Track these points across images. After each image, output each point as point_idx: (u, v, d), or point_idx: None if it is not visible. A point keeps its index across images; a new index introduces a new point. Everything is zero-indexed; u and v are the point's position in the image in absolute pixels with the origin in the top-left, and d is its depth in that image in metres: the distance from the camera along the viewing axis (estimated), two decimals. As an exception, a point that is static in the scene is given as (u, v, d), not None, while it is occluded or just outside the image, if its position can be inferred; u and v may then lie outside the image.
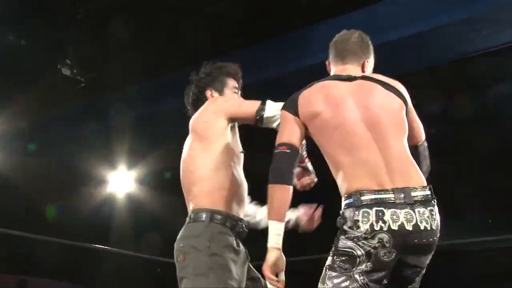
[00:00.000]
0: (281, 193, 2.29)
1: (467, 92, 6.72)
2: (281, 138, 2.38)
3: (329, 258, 2.27)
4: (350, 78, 2.49)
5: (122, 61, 6.86)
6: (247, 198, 2.66)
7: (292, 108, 2.43)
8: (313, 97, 2.44)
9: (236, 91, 2.83)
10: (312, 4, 6.07)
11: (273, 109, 2.57)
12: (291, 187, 2.32)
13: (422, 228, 2.22)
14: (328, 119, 2.37)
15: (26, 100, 6.78)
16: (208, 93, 2.79)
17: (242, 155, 2.66)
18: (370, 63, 2.63)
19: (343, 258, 2.24)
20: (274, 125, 2.56)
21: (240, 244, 2.55)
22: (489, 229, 6.81)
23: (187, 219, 2.56)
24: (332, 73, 2.60)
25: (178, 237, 2.54)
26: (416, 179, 2.31)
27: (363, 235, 2.21)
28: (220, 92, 2.79)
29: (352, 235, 2.23)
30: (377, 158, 2.30)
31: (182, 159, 2.69)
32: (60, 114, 7.61)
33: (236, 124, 2.70)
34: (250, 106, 2.60)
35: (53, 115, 7.56)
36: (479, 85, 6.65)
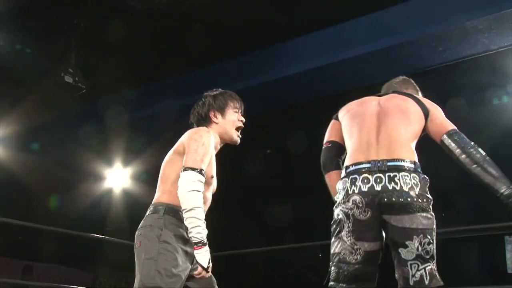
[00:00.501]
0: (328, 179, 2.67)
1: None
2: (325, 138, 2.76)
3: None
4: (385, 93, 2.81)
5: (118, 68, 6.86)
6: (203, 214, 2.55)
7: (335, 115, 2.78)
8: (351, 103, 2.78)
9: (237, 110, 2.81)
10: (288, 22, 6.15)
11: (190, 177, 2.50)
12: (332, 173, 2.67)
13: (390, 188, 2.35)
14: (352, 112, 2.69)
15: (32, 104, 6.83)
16: (211, 114, 2.78)
17: (213, 179, 2.68)
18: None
19: (334, 224, 2.45)
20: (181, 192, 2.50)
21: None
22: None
23: (147, 211, 2.65)
24: None
25: (138, 226, 2.63)
26: (401, 154, 2.44)
27: (342, 200, 2.42)
28: (222, 113, 2.79)
29: (337, 203, 2.46)
30: (373, 139, 2.50)
31: (163, 162, 2.75)
32: (62, 117, 7.62)
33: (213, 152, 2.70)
34: (191, 159, 2.55)
35: (56, 117, 7.56)
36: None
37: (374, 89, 2.91)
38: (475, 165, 2.46)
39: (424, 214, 2.37)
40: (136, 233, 2.62)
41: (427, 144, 2.66)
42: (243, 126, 2.84)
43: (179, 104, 6.79)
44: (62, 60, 6.68)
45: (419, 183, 2.40)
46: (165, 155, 2.77)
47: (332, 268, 2.42)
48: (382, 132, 2.52)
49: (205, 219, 2.50)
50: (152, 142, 7.66)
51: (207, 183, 2.63)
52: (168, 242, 2.51)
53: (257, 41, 6.44)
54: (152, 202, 2.66)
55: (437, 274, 2.36)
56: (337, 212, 2.44)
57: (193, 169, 2.51)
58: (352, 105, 2.74)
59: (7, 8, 5.86)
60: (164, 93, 7.10)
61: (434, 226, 2.42)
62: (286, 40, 6.33)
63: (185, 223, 2.46)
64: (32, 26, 6.43)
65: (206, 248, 2.45)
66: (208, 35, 6.46)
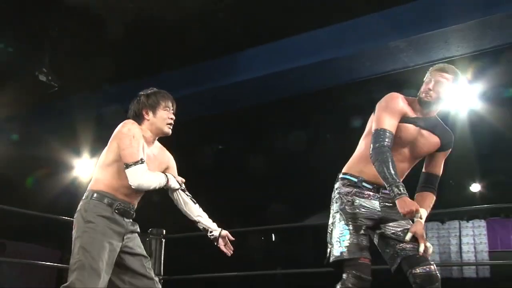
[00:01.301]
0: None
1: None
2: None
3: None
4: None
5: (88, 68, 6.72)
6: (135, 194, 2.69)
7: None
8: None
9: (168, 109, 2.79)
10: (244, 33, 6.17)
11: (136, 172, 2.56)
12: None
13: None
14: None
15: (8, 99, 6.65)
16: (144, 111, 2.76)
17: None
18: None
19: None
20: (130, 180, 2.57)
21: (125, 218, 2.65)
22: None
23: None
24: None
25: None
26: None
27: None
28: (154, 111, 2.76)
29: None
30: None
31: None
32: (36, 110, 7.45)
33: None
34: (128, 155, 2.58)
35: (30, 111, 7.40)
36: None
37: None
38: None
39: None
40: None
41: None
42: (172, 122, 2.79)
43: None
44: (36, 60, 6.50)
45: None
46: None
47: None
48: None
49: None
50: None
51: None
52: (92, 221, 2.55)
53: (214, 51, 6.42)
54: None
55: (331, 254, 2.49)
56: None
57: (135, 163, 2.55)
58: None
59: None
60: (126, 93, 7.01)
61: (330, 221, 2.58)
62: (239, 51, 6.34)
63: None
64: (10, 27, 6.20)
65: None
66: (171, 42, 6.36)
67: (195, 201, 2.85)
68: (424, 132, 2.56)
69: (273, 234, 11.46)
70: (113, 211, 2.59)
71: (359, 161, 2.59)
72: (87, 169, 8.70)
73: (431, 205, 2.55)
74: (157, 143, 2.84)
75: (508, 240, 10.19)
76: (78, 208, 2.63)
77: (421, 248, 2.36)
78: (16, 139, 7.83)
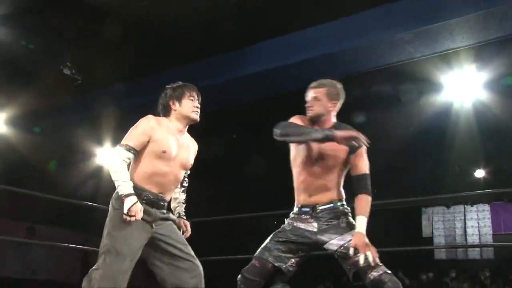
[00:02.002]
0: None
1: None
2: None
3: None
4: None
5: (109, 63, 6.70)
6: (165, 184, 2.74)
7: None
8: None
9: (192, 99, 2.83)
10: (253, 27, 6.10)
11: (114, 152, 2.68)
12: None
13: None
14: None
15: (35, 91, 6.72)
16: (171, 102, 2.83)
17: (166, 154, 2.70)
18: None
19: None
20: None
21: (154, 208, 2.69)
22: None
23: None
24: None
25: None
26: None
27: None
28: (180, 102, 2.82)
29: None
30: None
31: None
32: (61, 103, 7.50)
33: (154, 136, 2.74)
34: (123, 139, 2.69)
35: (56, 104, 7.44)
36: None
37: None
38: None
39: None
40: None
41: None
42: (198, 110, 2.84)
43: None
44: (60, 56, 6.60)
45: None
46: None
47: None
48: None
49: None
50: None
51: (160, 157, 2.69)
52: (119, 209, 2.58)
53: (223, 45, 6.39)
54: None
55: None
56: None
57: (120, 145, 2.65)
58: None
59: (12, 9, 5.69)
60: (149, 87, 6.98)
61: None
62: (247, 46, 6.30)
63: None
64: (34, 25, 6.21)
65: (128, 198, 2.55)
66: (183, 38, 6.34)
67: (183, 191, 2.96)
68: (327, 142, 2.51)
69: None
70: (141, 201, 2.61)
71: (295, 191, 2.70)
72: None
73: (368, 207, 2.53)
74: (186, 134, 2.89)
75: (511, 223, 10.11)
76: (114, 195, 2.68)
77: (361, 260, 2.37)
78: (38, 132, 7.93)
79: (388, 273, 2.36)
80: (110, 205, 2.69)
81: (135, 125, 2.72)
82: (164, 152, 2.69)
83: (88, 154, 8.66)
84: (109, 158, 2.68)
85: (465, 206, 10.48)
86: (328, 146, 2.55)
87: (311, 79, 2.74)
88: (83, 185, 8.32)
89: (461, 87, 6.47)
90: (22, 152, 7.80)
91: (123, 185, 2.57)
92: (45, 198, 4.07)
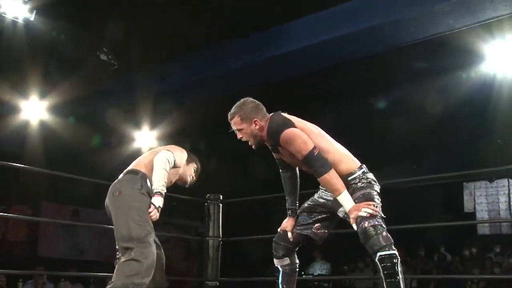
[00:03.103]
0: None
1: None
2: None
3: (376, 195, 2.58)
4: None
5: (144, 47, 6.86)
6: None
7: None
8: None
9: (195, 169, 3.17)
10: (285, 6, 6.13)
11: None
12: None
13: None
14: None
15: (76, 82, 6.88)
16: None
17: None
18: None
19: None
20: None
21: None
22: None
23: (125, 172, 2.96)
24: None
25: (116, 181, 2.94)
26: None
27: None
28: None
29: (378, 186, 2.65)
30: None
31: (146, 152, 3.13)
32: (100, 89, 7.62)
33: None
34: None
35: (94, 89, 7.53)
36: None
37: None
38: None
39: None
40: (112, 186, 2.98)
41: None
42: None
43: (198, 78, 6.76)
44: (97, 42, 6.71)
45: None
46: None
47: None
48: None
49: None
50: (173, 109, 7.71)
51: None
52: (145, 195, 2.84)
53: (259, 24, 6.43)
54: (130, 169, 3.00)
55: None
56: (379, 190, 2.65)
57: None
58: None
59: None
60: (184, 68, 7.06)
61: None
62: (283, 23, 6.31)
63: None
64: (70, 15, 6.38)
65: (163, 198, 2.83)
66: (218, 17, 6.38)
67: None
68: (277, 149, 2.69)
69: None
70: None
71: None
72: (147, 141, 8.85)
73: (332, 184, 2.57)
74: None
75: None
76: (124, 179, 2.91)
77: (355, 227, 2.52)
78: (77, 119, 8.14)
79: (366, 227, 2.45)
80: (130, 188, 2.80)
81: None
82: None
83: (126, 137, 8.80)
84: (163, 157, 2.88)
85: (509, 180, 10.20)
86: (280, 151, 2.69)
87: (352, 54, 2.69)
88: (122, 169, 8.39)
89: (503, 57, 6.31)
90: (64, 138, 8.00)
91: (164, 185, 2.85)
92: (86, 181, 4.17)
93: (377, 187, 2.62)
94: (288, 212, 2.84)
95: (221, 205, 4.17)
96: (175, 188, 3.19)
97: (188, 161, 3.07)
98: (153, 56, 7.05)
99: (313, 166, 2.53)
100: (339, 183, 2.51)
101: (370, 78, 7.23)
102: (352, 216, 2.47)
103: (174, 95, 7.34)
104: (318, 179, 2.55)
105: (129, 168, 2.97)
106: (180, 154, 2.97)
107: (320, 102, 7.87)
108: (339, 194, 2.52)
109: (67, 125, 8.09)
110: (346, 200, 2.51)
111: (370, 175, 2.64)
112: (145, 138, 8.86)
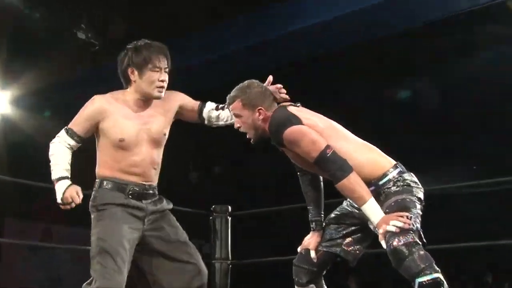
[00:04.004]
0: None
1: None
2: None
3: (414, 203, 2.51)
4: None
5: (134, 24, 6.88)
6: (144, 171, 2.80)
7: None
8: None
9: (158, 69, 2.76)
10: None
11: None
12: None
13: None
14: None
15: (51, 66, 6.94)
16: (129, 71, 2.77)
17: (124, 142, 2.74)
18: None
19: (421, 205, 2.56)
20: None
21: (143, 201, 2.77)
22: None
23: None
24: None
25: None
26: None
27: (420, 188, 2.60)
28: (140, 72, 2.75)
29: (420, 189, 2.58)
30: None
31: None
32: (80, 76, 7.66)
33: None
34: None
35: (74, 77, 7.61)
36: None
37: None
38: None
39: None
40: None
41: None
42: (164, 85, 2.78)
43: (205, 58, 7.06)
44: (74, 19, 6.78)
45: None
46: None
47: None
48: None
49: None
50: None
51: (120, 147, 2.75)
52: (105, 209, 2.72)
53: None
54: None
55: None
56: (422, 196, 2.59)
57: (64, 128, 2.79)
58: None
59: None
60: (188, 48, 7.13)
61: None
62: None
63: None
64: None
65: (59, 183, 2.68)
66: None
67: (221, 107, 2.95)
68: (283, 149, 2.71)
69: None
70: (127, 196, 2.72)
71: None
72: None
73: (351, 192, 2.55)
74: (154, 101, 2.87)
75: None
76: (91, 197, 2.76)
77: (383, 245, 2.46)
78: (51, 112, 8.14)
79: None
80: (91, 207, 2.76)
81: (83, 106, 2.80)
82: (121, 141, 2.74)
83: None
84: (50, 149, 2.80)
85: None
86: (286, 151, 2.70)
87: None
88: None
89: None
90: (32, 137, 7.92)
91: (54, 169, 2.72)
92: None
93: (418, 192, 2.56)
94: (311, 226, 2.78)
95: (229, 218, 4.16)
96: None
97: (133, 70, 2.75)
98: (146, 35, 7.04)
99: (329, 170, 2.51)
100: (362, 189, 2.47)
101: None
102: (380, 231, 2.42)
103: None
104: (336, 186, 2.52)
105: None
106: (80, 116, 2.78)
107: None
108: (363, 203, 2.47)
109: (35, 120, 8.00)
110: (372, 211, 2.46)
111: (409, 176, 2.58)
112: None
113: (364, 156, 2.60)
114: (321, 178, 2.79)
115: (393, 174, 2.57)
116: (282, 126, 2.55)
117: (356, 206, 2.61)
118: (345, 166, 2.48)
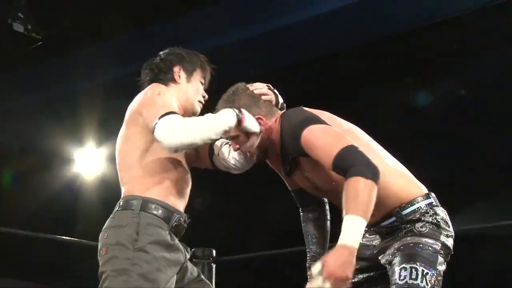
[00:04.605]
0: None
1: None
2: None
3: (436, 256, 2.48)
4: None
5: (89, 13, 6.84)
6: (187, 193, 2.79)
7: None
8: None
9: (203, 81, 2.91)
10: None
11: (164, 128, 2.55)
12: None
13: None
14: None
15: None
16: (176, 69, 2.85)
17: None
18: None
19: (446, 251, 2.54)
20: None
21: (176, 240, 2.67)
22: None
23: (116, 206, 2.67)
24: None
25: (104, 227, 2.65)
26: None
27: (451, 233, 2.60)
28: (189, 75, 2.86)
29: (450, 234, 2.57)
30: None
31: (118, 140, 2.87)
32: (16, 78, 7.57)
33: None
34: (157, 112, 2.58)
35: (5, 80, 7.49)
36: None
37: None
38: None
39: None
40: (100, 235, 2.63)
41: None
42: (203, 102, 2.91)
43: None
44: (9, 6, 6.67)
45: None
46: None
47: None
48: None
49: None
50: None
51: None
52: (146, 251, 2.52)
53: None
54: (122, 196, 2.70)
55: None
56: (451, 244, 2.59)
57: (164, 115, 2.51)
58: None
59: None
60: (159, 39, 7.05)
61: None
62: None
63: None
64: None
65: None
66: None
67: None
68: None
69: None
70: (170, 230, 2.63)
71: None
72: (93, 165, 8.74)
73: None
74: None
75: None
76: (116, 223, 2.60)
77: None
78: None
79: None
80: (122, 236, 2.55)
81: (152, 93, 2.71)
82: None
83: (60, 158, 8.66)
84: (172, 133, 2.51)
85: None
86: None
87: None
88: (50, 208, 8.31)
89: None
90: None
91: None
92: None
93: (446, 237, 2.53)
94: (307, 273, 2.72)
95: (213, 265, 4.30)
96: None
97: (182, 71, 2.85)
98: (102, 27, 6.98)
99: (353, 162, 2.40)
100: (367, 206, 2.34)
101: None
102: (324, 275, 2.27)
103: (128, 87, 7.12)
104: (346, 179, 2.38)
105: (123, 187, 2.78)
106: (167, 98, 2.70)
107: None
108: (352, 215, 2.31)
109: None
110: (350, 230, 2.31)
111: (441, 211, 2.57)
112: (89, 159, 8.76)
113: (394, 180, 2.59)
114: (328, 215, 2.85)
115: (421, 204, 2.56)
116: (300, 126, 2.55)
117: (365, 243, 2.64)
118: (375, 170, 2.39)
